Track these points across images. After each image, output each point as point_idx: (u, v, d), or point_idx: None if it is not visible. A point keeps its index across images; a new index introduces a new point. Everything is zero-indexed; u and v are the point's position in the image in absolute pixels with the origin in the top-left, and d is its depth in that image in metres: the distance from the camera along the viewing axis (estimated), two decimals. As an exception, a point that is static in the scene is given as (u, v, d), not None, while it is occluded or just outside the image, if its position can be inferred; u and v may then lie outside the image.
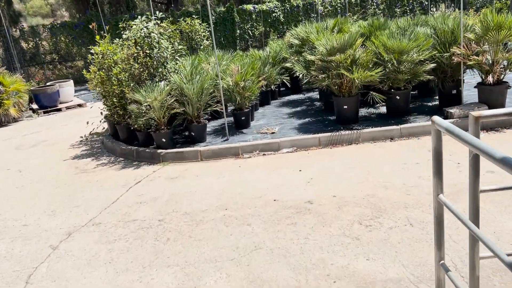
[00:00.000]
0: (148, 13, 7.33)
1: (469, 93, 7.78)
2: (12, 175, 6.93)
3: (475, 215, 1.80)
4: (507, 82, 6.72)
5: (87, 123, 8.47)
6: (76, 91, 15.09)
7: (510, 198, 4.16)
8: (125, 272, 3.72)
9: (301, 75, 8.00)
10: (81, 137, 8.62)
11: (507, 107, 6.76)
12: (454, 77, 7.09)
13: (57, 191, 5.95)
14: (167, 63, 7.33)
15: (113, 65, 7.14)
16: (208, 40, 10.27)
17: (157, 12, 7.62)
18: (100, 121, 8.23)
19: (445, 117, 6.75)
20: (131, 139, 7.58)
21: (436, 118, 1.90)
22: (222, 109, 7.04)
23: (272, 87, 9.38)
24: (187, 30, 9.89)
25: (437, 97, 8.19)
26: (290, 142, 6.55)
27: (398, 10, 21.80)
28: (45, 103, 12.97)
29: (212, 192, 5.24)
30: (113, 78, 7.06)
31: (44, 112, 12.81)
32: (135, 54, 7.04)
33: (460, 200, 4.24)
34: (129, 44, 7.21)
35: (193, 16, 11.36)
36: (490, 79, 6.42)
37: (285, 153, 6.41)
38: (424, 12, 20.39)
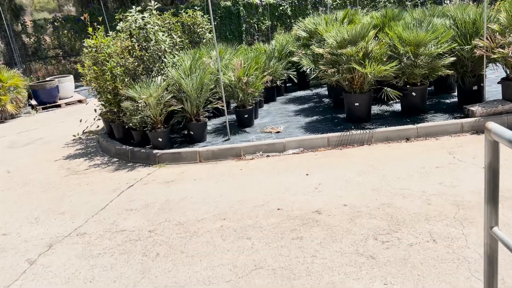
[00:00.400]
0: (150, 5, 6.83)
1: (490, 89, 7.21)
2: (-1, 177, 6.51)
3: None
4: (535, 78, 6.15)
5: (80, 121, 8.01)
6: (77, 86, 14.66)
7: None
8: (105, 295, 3.26)
9: (308, 70, 7.48)
10: (74, 136, 8.17)
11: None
12: (475, 72, 6.52)
13: (44, 195, 5.50)
14: (165, 57, 6.84)
15: (107, 59, 6.65)
16: (211, 34, 9.76)
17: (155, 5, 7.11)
18: (94, 119, 7.77)
19: (465, 115, 6.20)
20: (128, 138, 7.11)
21: (494, 125, 1.38)
22: (223, 106, 6.54)
23: (278, 82, 8.86)
24: (189, 23, 9.38)
25: (454, 93, 7.65)
26: (297, 143, 6.04)
27: (409, 3, 21.11)
28: (44, 99, 12.55)
29: (209, 198, 4.75)
30: (107, 73, 6.57)
31: (43, 109, 12.39)
32: (129, 47, 6.55)
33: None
34: (124, 37, 6.72)
35: (195, 8, 10.87)
36: (516, 74, 5.85)
37: (291, 155, 5.91)
38: (437, 5, 19.68)
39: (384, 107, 7.25)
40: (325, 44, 6.58)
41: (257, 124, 7.17)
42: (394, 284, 2.98)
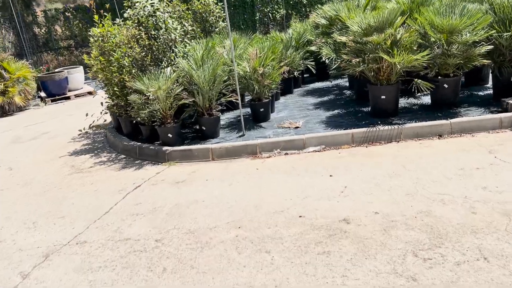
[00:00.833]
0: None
1: (529, 81, 6.59)
2: (0, 174, 6.14)
3: None
4: None
5: (86, 115, 7.59)
6: (87, 78, 14.29)
7: None
8: (104, 319, 2.83)
9: (328, 60, 6.94)
10: (80, 130, 7.77)
11: None
12: (514, 61, 5.92)
13: (44, 196, 5.10)
14: (175, 46, 6.36)
15: (114, 49, 6.20)
16: (224, 22, 9.25)
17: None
18: (101, 113, 7.35)
19: (504, 109, 5.64)
20: (136, 133, 6.68)
21: None
22: (237, 99, 6.05)
23: (295, 73, 8.32)
24: (200, 11, 8.88)
25: (487, 85, 7.05)
26: (318, 139, 5.54)
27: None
28: (53, 90, 12.23)
29: (223, 203, 4.29)
30: (114, 63, 6.13)
31: (52, 101, 12.07)
32: (137, 36, 6.09)
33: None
34: (131, 25, 6.25)
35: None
36: None
37: (311, 153, 5.41)
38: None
39: (412, 100, 6.68)
40: (348, 32, 6.03)
41: (273, 119, 6.67)
42: (443, 314, 2.50)
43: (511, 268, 2.81)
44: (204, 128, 6.06)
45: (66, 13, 18.49)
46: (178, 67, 6.04)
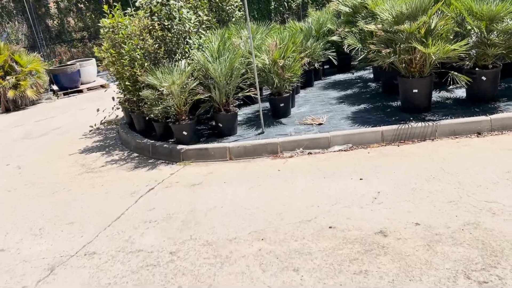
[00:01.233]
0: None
1: None
2: (8, 173, 5.86)
3: None
4: None
5: (97, 110, 7.27)
6: (100, 70, 14.03)
7: None
8: None
9: (354, 51, 6.48)
10: (91, 126, 7.46)
11: None
12: (560, 51, 5.40)
13: (52, 198, 4.80)
14: (190, 37, 5.97)
15: (125, 40, 5.84)
16: (240, 11, 8.83)
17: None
18: (113, 108, 7.02)
19: (548, 104, 5.14)
20: (149, 129, 6.33)
21: None
22: (256, 94, 5.65)
23: (316, 65, 7.88)
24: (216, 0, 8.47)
25: (525, 76, 6.53)
26: (343, 137, 5.12)
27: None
28: (65, 84, 11.97)
29: (242, 209, 3.92)
30: (125, 56, 5.77)
31: (64, 94, 11.82)
32: (149, 27, 5.71)
33: None
34: (142, 15, 5.88)
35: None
36: None
37: (337, 152, 5.00)
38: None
39: (444, 94, 6.20)
40: (377, 20, 5.57)
41: (294, 114, 6.26)
42: None
43: None
44: (221, 125, 5.69)
45: (79, 4, 18.20)
46: (193, 60, 5.66)
